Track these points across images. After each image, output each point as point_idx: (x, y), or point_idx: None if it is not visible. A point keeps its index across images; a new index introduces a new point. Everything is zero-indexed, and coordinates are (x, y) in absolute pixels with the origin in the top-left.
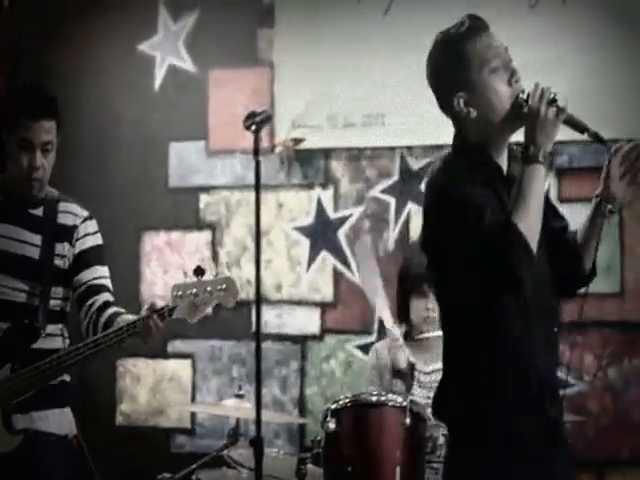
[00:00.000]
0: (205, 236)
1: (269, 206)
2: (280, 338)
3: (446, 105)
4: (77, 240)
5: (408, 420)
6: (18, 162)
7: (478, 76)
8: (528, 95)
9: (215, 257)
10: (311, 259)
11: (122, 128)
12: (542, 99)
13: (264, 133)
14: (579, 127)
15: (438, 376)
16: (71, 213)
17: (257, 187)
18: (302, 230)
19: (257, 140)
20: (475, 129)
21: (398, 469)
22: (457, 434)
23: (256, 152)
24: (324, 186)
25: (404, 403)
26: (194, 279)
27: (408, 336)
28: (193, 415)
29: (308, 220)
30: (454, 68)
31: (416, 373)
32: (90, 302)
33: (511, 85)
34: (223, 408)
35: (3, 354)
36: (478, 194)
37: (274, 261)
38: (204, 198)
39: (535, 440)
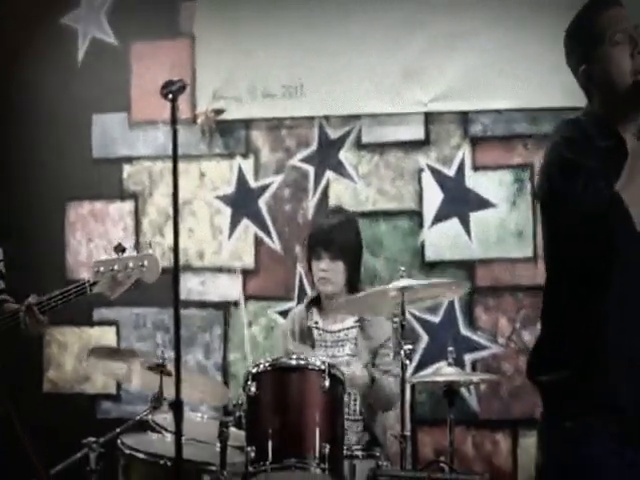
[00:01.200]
0: (128, 206)
1: (191, 176)
2: (203, 305)
3: (576, 76)
4: None
5: (327, 383)
6: None
7: (600, 49)
8: None
9: (138, 226)
10: (233, 227)
11: (46, 101)
12: None
13: (185, 105)
14: None
15: (342, 335)
16: None
17: (174, 155)
18: (224, 199)
19: (174, 108)
20: (599, 100)
21: (317, 430)
22: (553, 401)
23: (174, 121)
24: (245, 156)
25: (323, 366)
26: (115, 256)
27: (318, 298)
28: (118, 382)
29: (229, 189)
30: (578, 40)
31: (321, 333)
32: None
33: (634, 58)
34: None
35: None
36: (592, 161)
37: (196, 230)
38: (127, 169)
39: (636, 410)
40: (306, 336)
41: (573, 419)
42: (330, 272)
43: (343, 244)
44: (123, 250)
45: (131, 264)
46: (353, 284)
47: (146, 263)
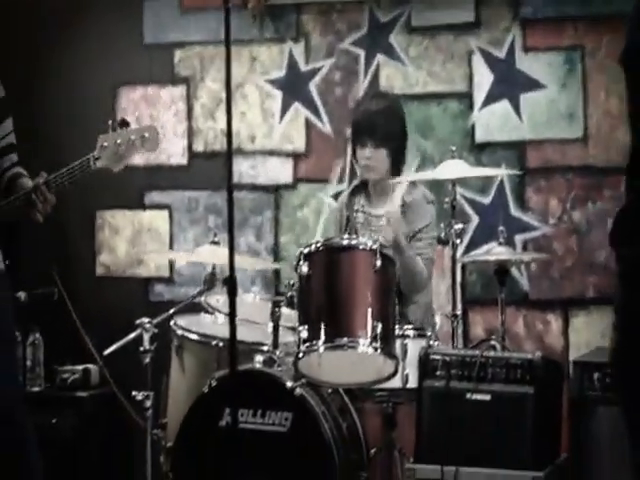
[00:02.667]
0: (180, 90)
1: (242, 60)
2: (254, 188)
3: None
4: None
5: (378, 262)
6: None
7: None
8: None
9: (190, 110)
10: (283, 111)
11: None
12: None
13: None
14: None
15: (387, 219)
16: None
17: (227, 34)
18: (274, 83)
19: None
20: None
21: (369, 310)
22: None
23: (226, 0)
24: (295, 39)
25: (374, 246)
26: (119, 131)
27: (364, 184)
28: (171, 264)
29: (280, 73)
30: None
31: (367, 217)
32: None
33: None
34: (199, 254)
35: None
36: None
37: (248, 113)
38: (178, 53)
39: None
40: (348, 222)
41: None
42: (373, 159)
43: (386, 131)
44: (127, 124)
45: (133, 136)
46: (397, 169)
47: (147, 135)
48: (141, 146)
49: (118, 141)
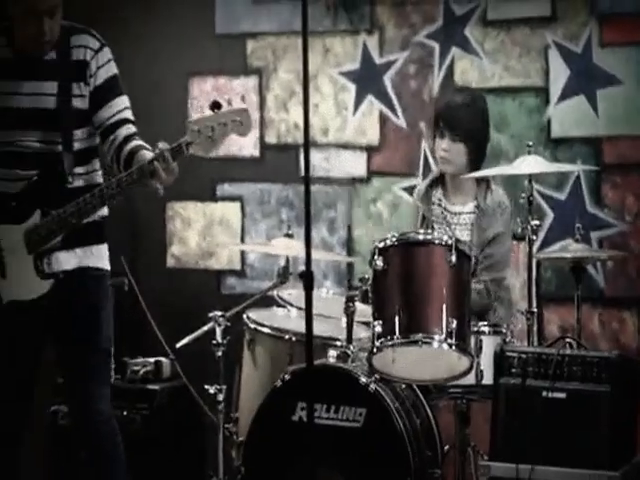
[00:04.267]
0: (252, 81)
1: (315, 52)
2: (328, 181)
3: None
4: (90, 77)
5: (454, 258)
6: (27, 28)
7: None
8: None
9: (262, 102)
10: (357, 103)
11: None
12: None
13: None
14: None
15: (461, 219)
16: (83, 46)
17: (304, 24)
18: (348, 75)
19: None
20: None
21: (444, 306)
22: None
23: None
24: (369, 32)
25: (450, 241)
26: (210, 113)
27: (441, 177)
28: (243, 257)
29: (354, 65)
30: None
31: (443, 211)
32: (112, 138)
33: None
34: (273, 247)
35: (32, 201)
36: None
37: (321, 106)
38: (251, 44)
39: None
40: (425, 215)
41: None
42: (451, 152)
43: (467, 125)
44: (219, 107)
45: (224, 120)
46: (476, 165)
47: (239, 118)
48: (234, 130)
49: (210, 125)
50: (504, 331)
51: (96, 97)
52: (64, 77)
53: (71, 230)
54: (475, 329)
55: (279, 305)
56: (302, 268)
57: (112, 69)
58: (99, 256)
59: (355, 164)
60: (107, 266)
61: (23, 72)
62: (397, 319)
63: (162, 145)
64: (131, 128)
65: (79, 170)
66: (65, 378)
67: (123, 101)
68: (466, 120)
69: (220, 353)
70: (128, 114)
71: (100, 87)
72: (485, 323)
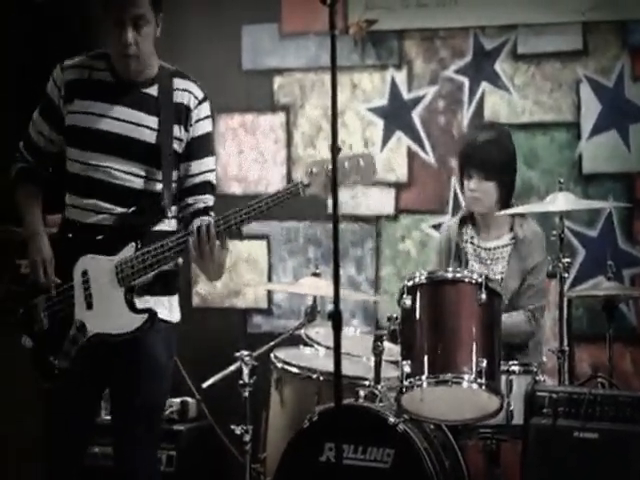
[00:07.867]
0: (279, 118)
1: (343, 87)
2: (355, 219)
3: None
4: (191, 125)
5: (484, 296)
6: (113, 40)
7: None
8: None
9: (290, 138)
10: (385, 139)
11: (195, 10)
12: None
13: (337, 15)
14: None
15: (497, 253)
16: (187, 91)
17: (333, 59)
18: (376, 111)
19: (332, 13)
20: None
21: (474, 345)
22: None
23: (332, 26)
24: (398, 67)
25: (479, 279)
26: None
27: (471, 215)
28: (270, 295)
29: (382, 101)
30: None
31: (476, 249)
32: (191, 201)
33: None
34: (301, 286)
35: (127, 235)
36: None
37: (348, 142)
38: (278, 80)
39: None
40: (458, 253)
41: None
42: (480, 192)
43: (494, 163)
44: (339, 150)
45: (346, 164)
46: (506, 200)
47: (362, 163)
48: (356, 174)
49: (330, 167)
50: (535, 370)
51: (192, 148)
52: (166, 115)
53: (164, 265)
54: (505, 368)
55: (306, 344)
56: (330, 306)
57: (210, 125)
58: (171, 309)
59: (383, 201)
60: (174, 318)
61: (123, 99)
62: (426, 358)
63: (209, 218)
64: (210, 200)
65: (173, 211)
66: (115, 422)
67: (212, 162)
68: (492, 158)
69: (247, 393)
70: (212, 177)
71: (196, 139)
72: (515, 362)
